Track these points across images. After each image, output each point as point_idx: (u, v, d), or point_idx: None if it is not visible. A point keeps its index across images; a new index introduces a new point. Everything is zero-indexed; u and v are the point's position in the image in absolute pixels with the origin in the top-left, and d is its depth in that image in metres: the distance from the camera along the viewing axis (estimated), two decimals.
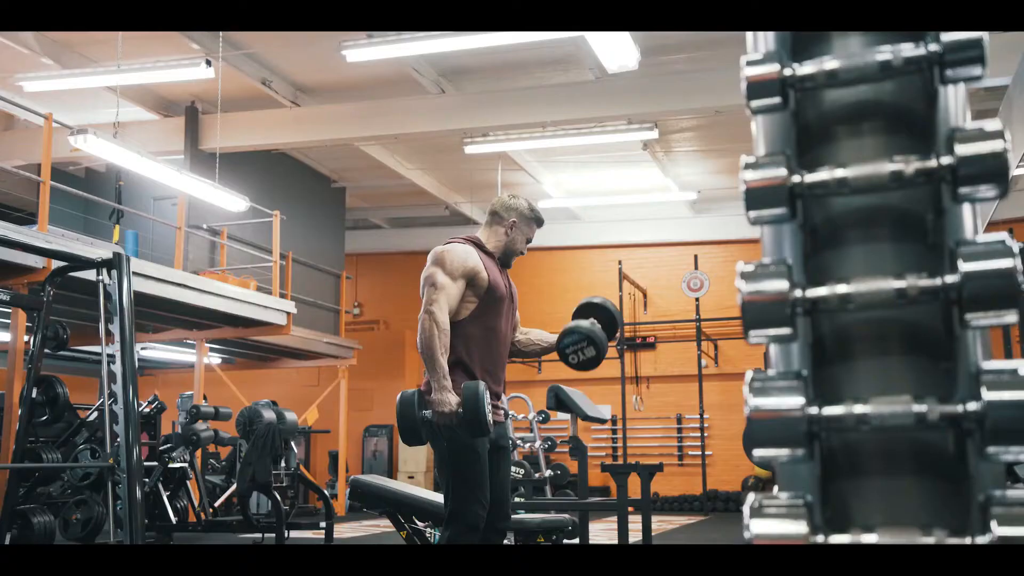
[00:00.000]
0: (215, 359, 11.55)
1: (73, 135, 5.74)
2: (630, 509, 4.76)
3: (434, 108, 9.31)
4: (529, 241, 3.26)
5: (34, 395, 5.95)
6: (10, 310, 6.75)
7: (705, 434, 12.96)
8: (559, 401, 5.31)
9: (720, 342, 13.33)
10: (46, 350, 5.87)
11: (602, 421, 5.78)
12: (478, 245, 3.16)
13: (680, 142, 11.14)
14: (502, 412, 3.16)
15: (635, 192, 12.58)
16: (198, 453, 8.07)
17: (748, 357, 13.10)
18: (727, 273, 13.45)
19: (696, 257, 12.86)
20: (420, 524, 4.22)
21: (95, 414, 6.96)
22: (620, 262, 12.71)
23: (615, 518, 5.52)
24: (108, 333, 5.32)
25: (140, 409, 7.68)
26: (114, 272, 5.35)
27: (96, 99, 9.00)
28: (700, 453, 12.78)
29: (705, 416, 12.74)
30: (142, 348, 10.80)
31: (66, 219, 9.31)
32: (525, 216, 3.21)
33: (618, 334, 3.13)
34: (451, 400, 2.84)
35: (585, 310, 3.25)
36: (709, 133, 10.86)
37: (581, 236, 13.74)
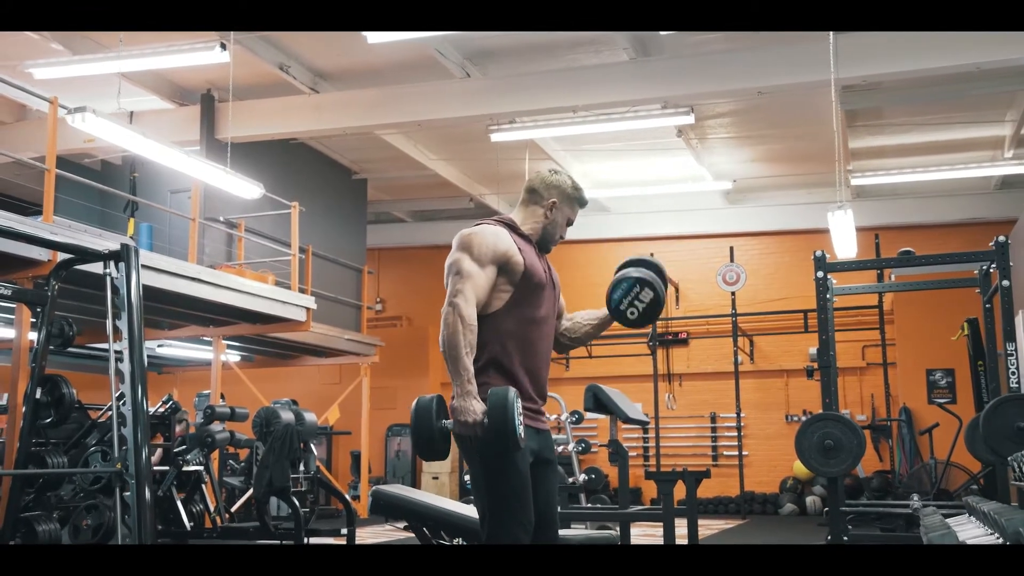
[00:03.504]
0: (233, 357, 11.20)
1: (70, 113, 5.37)
2: None
3: (459, 92, 8.88)
4: (571, 224, 2.87)
5: (38, 395, 5.61)
6: (14, 305, 6.43)
7: (741, 433, 12.47)
8: (598, 402, 4.90)
9: (756, 338, 12.82)
10: (51, 347, 5.52)
11: (644, 424, 5.35)
12: (511, 227, 2.75)
13: (715, 128, 10.64)
14: (545, 419, 2.73)
15: (667, 182, 12.09)
16: (214, 455, 7.72)
17: (785, 354, 12.58)
18: (764, 266, 12.94)
19: (732, 249, 12.35)
20: (448, 539, 3.82)
21: (107, 414, 6.62)
22: (652, 255, 12.21)
23: (651, 524, 5.10)
24: (116, 330, 4.96)
25: (154, 409, 7.38)
26: (122, 265, 5.00)
27: (109, 87, 8.65)
28: (736, 453, 12.28)
29: (741, 415, 12.22)
30: (158, 345, 10.47)
31: (82, 212, 9.01)
32: (567, 195, 2.82)
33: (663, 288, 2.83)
34: (476, 408, 2.39)
35: (625, 267, 2.91)
36: (746, 118, 10.36)
37: (611, 228, 13.27)
